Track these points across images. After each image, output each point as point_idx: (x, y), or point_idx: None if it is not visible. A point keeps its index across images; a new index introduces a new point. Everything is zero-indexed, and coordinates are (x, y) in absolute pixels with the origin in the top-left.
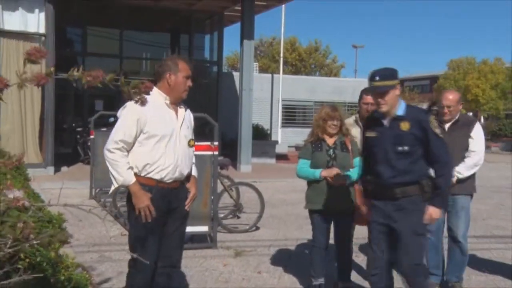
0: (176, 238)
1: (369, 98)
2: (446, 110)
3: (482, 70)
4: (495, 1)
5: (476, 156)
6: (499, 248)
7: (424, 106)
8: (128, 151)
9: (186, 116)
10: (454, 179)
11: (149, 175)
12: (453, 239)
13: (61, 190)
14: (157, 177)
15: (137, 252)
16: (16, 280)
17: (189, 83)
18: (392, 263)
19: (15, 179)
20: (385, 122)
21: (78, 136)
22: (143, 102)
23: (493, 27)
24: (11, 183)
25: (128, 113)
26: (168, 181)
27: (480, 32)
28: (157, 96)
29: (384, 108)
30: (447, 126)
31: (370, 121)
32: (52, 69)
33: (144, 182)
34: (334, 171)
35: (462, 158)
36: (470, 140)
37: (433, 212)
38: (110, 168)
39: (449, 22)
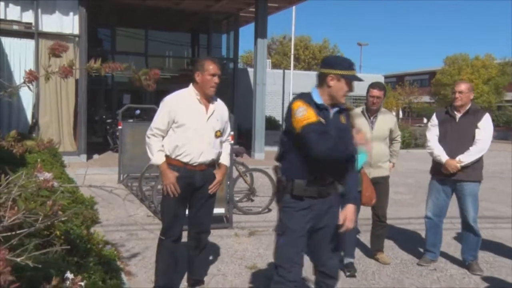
0: (205, 208)
1: (375, 92)
2: (457, 95)
3: (475, 65)
4: (487, 2)
5: (480, 144)
6: (489, 228)
7: (424, 99)
8: (163, 137)
9: (217, 110)
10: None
11: (178, 158)
12: (465, 223)
13: (93, 175)
14: (184, 160)
15: (166, 221)
16: (52, 250)
17: (216, 80)
18: None
19: (53, 165)
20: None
21: (108, 127)
22: (150, 87)
23: (485, 25)
24: (41, 166)
25: (162, 106)
26: (194, 164)
27: (473, 30)
28: (190, 93)
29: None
30: (458, 115)
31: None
32: (73, 59)
33: (174, 163)
34: None
35: (469, 147)
36: (477, 130)
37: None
38: (147, 149)
39: (446, 20)
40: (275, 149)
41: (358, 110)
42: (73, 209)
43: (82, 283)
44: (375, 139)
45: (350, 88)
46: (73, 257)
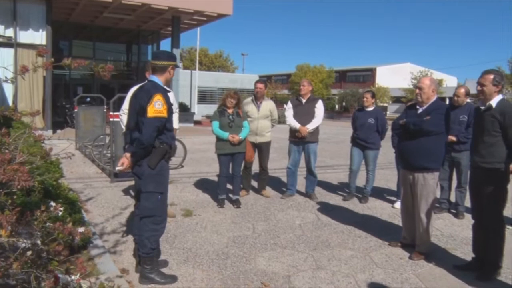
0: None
1: (259, 85)
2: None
3: (314, 70)
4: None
5: (318, 117)
6: (320, 172)
7: (284, 91)
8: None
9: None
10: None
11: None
12: (309, 170)
13: (58, 145)
14: None
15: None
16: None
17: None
18: None
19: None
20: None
21: (67, 110)
22: (106, 77)
23: (319, 43)
24: (35, 127)
25: (128, 94)
26: None
27: (313, 46)
28: None
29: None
30: (304, 101)
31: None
32: (52, 59)
33: None
34: (236, 138)
35: (312, 120)
36: (315, 109)
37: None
38: (120, 123)
39: (298, 39)
40: (186, 125)
41: (248, 99)
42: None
43: (61, 209)
44: (260, 117)
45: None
46: (48, 199)
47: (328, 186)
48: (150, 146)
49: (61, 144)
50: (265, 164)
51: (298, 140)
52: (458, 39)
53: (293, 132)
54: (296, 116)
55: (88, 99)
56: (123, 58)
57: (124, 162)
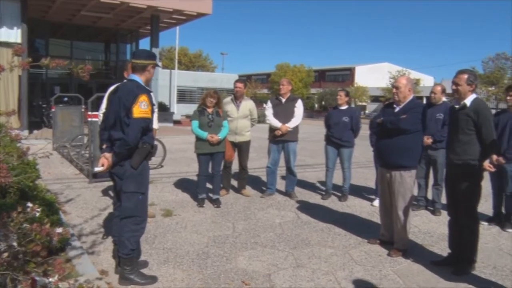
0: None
1: (238, 84)
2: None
3: (294, 70)
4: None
5: (297, 116)
6: (300, 172)
7: (264, 91)
8: None
9: None
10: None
11: None
12: (289, 169)
13: (34, 145)
14: None
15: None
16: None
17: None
18: None
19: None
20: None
21: (44, 110)
22: (85, 77)
23: (298, 43)
24: (11, 126)
25: (106, 93)
26: None
27: (292, 46)
28: None
29: None
30: (283, 100)
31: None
32: (30, 59)
33: None
34: (215, 138)
35: (291, 119)
36: (295, 108)
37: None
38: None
39: (277, 39)
40: (165, 124)
41: (228, 98)
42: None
43: (39, 210)
44: (240, 117)
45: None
46: (25, 200)
47: (307, 185)
48: (134, 147)
49: (38, 144)
50: (245, 164)
51: (278, 139)
52: (435, 39)
53: (272, 131)
54: (276, 115)
55: (66, 99)
56: (101, 57)
57: (105, 162)
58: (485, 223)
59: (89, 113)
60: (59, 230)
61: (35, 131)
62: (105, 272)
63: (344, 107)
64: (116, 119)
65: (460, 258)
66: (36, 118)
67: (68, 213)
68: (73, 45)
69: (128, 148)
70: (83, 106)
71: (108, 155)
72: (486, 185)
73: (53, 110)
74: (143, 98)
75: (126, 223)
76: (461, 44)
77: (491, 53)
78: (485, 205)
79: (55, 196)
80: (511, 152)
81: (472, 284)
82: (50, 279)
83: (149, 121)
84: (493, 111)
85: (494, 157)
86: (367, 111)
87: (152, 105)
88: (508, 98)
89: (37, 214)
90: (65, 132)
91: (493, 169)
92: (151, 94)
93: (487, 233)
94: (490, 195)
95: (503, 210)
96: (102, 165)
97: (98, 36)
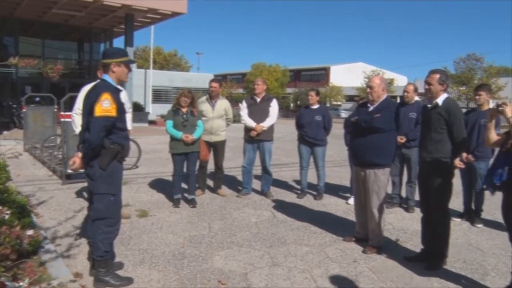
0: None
1: (213, 84)
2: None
3: (269, 70)
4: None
5: (272, 116)
6: (276, 171)
7: (239, 90)
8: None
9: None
10: None
11: None
12: (264, 168)
13: (4, 146)
14: None
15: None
16: None
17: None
18: None
19: None
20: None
21: (14, 111)
22: (55, 78)
23: (276, 43)
24: None
25: (80, 93)
26: None
27: (269, 46)
28: None
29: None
30: (258, 100)
31: None
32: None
33: None
34: (190, 138)
35: (266, 119)
36: (270, 108)
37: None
38: (72, 124)
39: (251, 39)
40: (140, 124)
41: (203, 98)
42: None
43: (8, 212)
44: (215, 116)
45: (129, 69)
46: None
47: (283, 184)
48: (98, 146)
49: (7, 145)
50: (220, 163)
51: (253, 139)
52: (409, 40)
53: (248, 131)
54: (251, 115)
55: (38, 99)
56: (74, 56)
57: (76, 161)
58: (457, 219)
59: (62, 113)
60: (30, 232)
61: (5, 132)
62: (79, 275)
63: (316, 106)
64: (88, 120)
65: (432, 253)
66: (6, 119)
67: (41, 215)
68: (45, 43)
69: (92, 148)
70: (56, 106)
71: (81, 154)
72: (457, 182)
73: (24, 110)
74: (105, 96)
75: (98, 225)
76: (434, 45)
77: (462, 54)
78: (456, 202)
79: (27, 199)
80: (480, 150)
81: (443, 278)
82: (21, 283)
83: (113, 119)
84: (464, 110)
85: (464, 155)
86: (343, 113)
87: (119, 103)
88: (477, 97)
89: (6, 217)
90: (37, 133)
91: (463, 166)
92: (122, 93)
93: (457, 228)
94: (461, 192)
95: (472, 206)
96: (74, 163)
97: (71, 35)
